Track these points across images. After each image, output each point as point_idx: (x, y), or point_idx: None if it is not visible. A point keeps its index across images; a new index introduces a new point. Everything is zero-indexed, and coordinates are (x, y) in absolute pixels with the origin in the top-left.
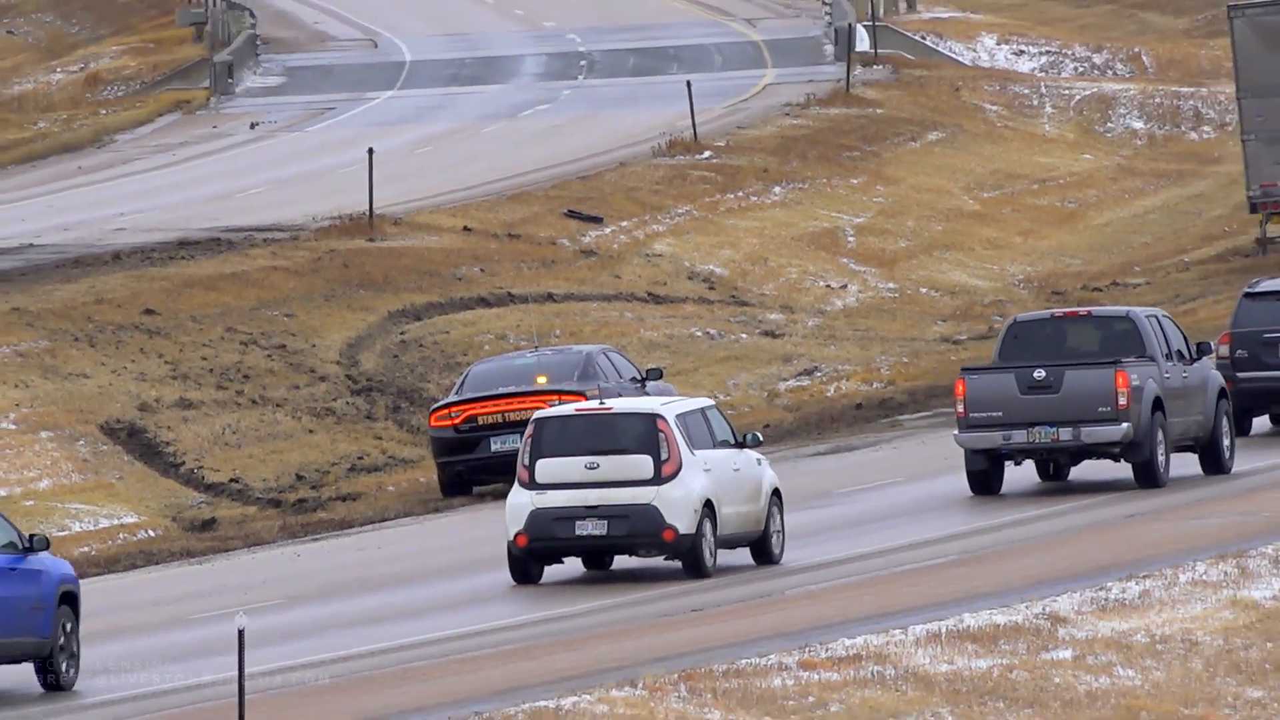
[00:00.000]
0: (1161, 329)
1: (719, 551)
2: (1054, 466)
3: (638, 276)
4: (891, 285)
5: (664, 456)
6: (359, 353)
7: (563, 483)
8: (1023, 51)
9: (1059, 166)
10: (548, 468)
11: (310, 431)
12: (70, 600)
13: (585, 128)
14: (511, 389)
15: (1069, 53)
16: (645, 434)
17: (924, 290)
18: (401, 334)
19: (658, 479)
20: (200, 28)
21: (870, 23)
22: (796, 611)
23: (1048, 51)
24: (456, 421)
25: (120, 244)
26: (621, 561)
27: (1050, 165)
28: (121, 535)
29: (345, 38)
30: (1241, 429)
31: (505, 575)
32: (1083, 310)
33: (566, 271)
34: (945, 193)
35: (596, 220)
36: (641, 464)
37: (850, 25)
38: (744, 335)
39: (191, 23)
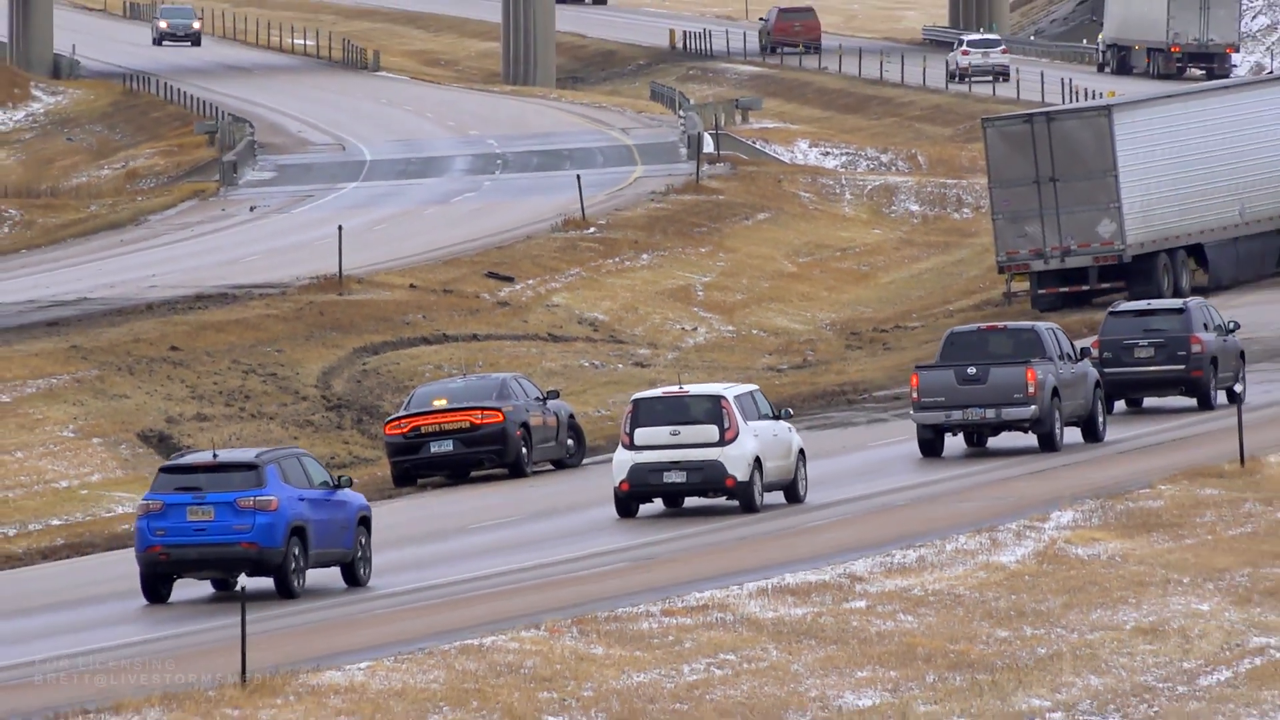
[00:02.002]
0: (1056, 338)
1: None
2: (977, 437)
3: (540, 321)
4: (731, 328)
5: (726, 426)
6: (331, 379)
7: (653, 444)
8: (829, 153)
9: (855, 239)
10: (643, 434)
11: (295, 438)
12: (365, 523)
13: (501, 210)
14: (445, 405)
15: (863, 154)
16: (712, 409)
17: (755, 331)
18: (363, 365)
19: (722, 442)
20: (212, 135)
21: (714, 131)
22: (662, 572)
23: (847, 153)
24: (405, 430)
25: (152, 297)
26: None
27: (849, 238)
28: None
29: (321, 143)
30: (1109, 409)
31: (439, 545)
32: (1000, 325)
33: (487, 318)
34: (770, 259)
35: (509, 279)
36: (710, 431)
37: (699, 133)
38: (620, 365)
39: (206, 131)
